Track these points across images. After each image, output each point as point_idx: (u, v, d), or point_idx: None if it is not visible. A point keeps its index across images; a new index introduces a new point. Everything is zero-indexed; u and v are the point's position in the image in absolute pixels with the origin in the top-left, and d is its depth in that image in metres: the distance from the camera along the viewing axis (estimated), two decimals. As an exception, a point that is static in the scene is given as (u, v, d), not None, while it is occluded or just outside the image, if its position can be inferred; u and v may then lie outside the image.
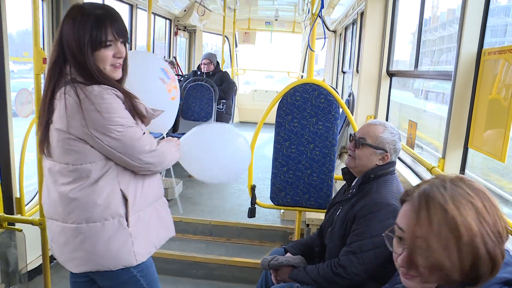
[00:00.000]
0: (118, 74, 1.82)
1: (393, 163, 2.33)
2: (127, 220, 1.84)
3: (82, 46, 1.71)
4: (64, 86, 1.72)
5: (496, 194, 3.06)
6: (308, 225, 3.72)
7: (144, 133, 1.84)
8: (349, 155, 2.40)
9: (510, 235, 1.08)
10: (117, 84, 1.82)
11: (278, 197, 3.23)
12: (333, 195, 3.21)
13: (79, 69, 1.73)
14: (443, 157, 2.09)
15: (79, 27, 1.71)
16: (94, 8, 1.75)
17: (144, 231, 1.92)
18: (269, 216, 4.51)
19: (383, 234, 1.16)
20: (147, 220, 1.94)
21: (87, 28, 1.71)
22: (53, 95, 1.75)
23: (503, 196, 3.06)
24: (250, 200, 3.31)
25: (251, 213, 3.26)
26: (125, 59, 1.86)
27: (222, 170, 2.28)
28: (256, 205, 3.29)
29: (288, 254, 2.53)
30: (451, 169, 2.08)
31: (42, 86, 1.93)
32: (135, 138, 1.78)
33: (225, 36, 8.51)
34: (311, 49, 2.88)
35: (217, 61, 6.47)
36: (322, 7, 2.93)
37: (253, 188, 3.27)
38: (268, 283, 2.56)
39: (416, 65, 3.14)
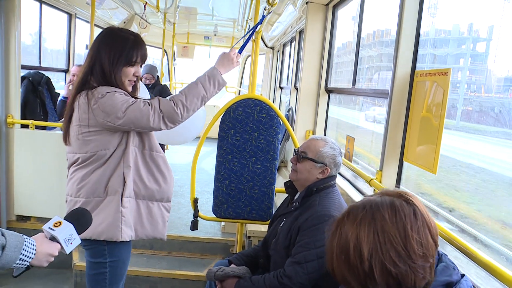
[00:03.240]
0: (129, 89, 2.25)
1: (333, 177, 2.44)
2: (121, 199, 2.20)
3: (115, 60, 2.13)
4: (80, 92, 2.15)
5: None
6: (249, 237, 3.78)
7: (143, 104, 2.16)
8: (292, 169, 2.50)
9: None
10: (125, 90, 2.21)
11: (221, 210, 3.26)
12: (274, 208, 3.30)
13: (103, 78, 2.15)
14: (381, 170, 2.23)
15: (117, 46, 2.14)
16: (129, 34, 2.21)
17: (133, 216, 2.28)
18: (210, 229, 4.53)
19: None
20: (138, 209, 2.29)
21: (124, 48, 2.14)
22: (73, 100, 2.18)
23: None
24: (189, 213, 3.33)
25: (194, 225, 3.27)
26: (139, 79, 2.30)
27: (185, 132, 2.63)
28: (198, 218, 3.31)
29: (233, 265, 2.57)
30: (388, 180, 2.22)
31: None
32: (138, 110, 2.10)
33: (164, 49, 8.46)
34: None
35: (157, 75, 6.44)
36: (260, 23, 3.03)
37: (195, 201, 3.28)
38: (213, 295, 2.59)
39: (353, 83, 3.30)
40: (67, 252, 1.56)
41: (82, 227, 1.64)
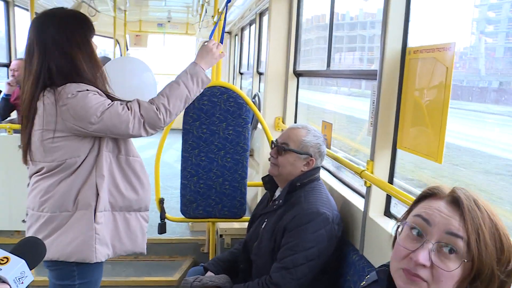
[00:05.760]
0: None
1: (318, 169, 2.22)
2: (95, 214, 1.89)
3: (65, 48, 1.82)
4: (42, 90, 1.82)
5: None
6: (221, 235, 3.53)
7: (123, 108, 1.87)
8: (272, 163, 2.25)
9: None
10: (93, 82, 1.89)
11: (189, 209, 3.00)
12: (247, 203, 3.07)
13: (60, 71, 1.82)
14: (372, 160, 2.01)
15: (61, 31, 1.83)
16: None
17: (110, 232, 1.97)
18: (177, 228, 4.26)
19: (397, 223, 1.06)
20: (114, 223, 1.99)
21: (69, 30, 1.85)
22: (32, 100, 1.83)
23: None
24: (153, 212, 3.04)
25: (162, 229, 2.98)
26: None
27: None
28: (165, 220, 3.02)
29: (210, 273, 2.32)
30: (381, 171, 2.01)
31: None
32: (115, 115, 1.83)
33: (116, 39, 8.03)
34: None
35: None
36: (229, 1, 2.76)
37: (161, 202, 2.99)
38: (189, 306, 2.33)
39: (328, 64, 3.08)
40: None
41: (35, 260, 1.29)
